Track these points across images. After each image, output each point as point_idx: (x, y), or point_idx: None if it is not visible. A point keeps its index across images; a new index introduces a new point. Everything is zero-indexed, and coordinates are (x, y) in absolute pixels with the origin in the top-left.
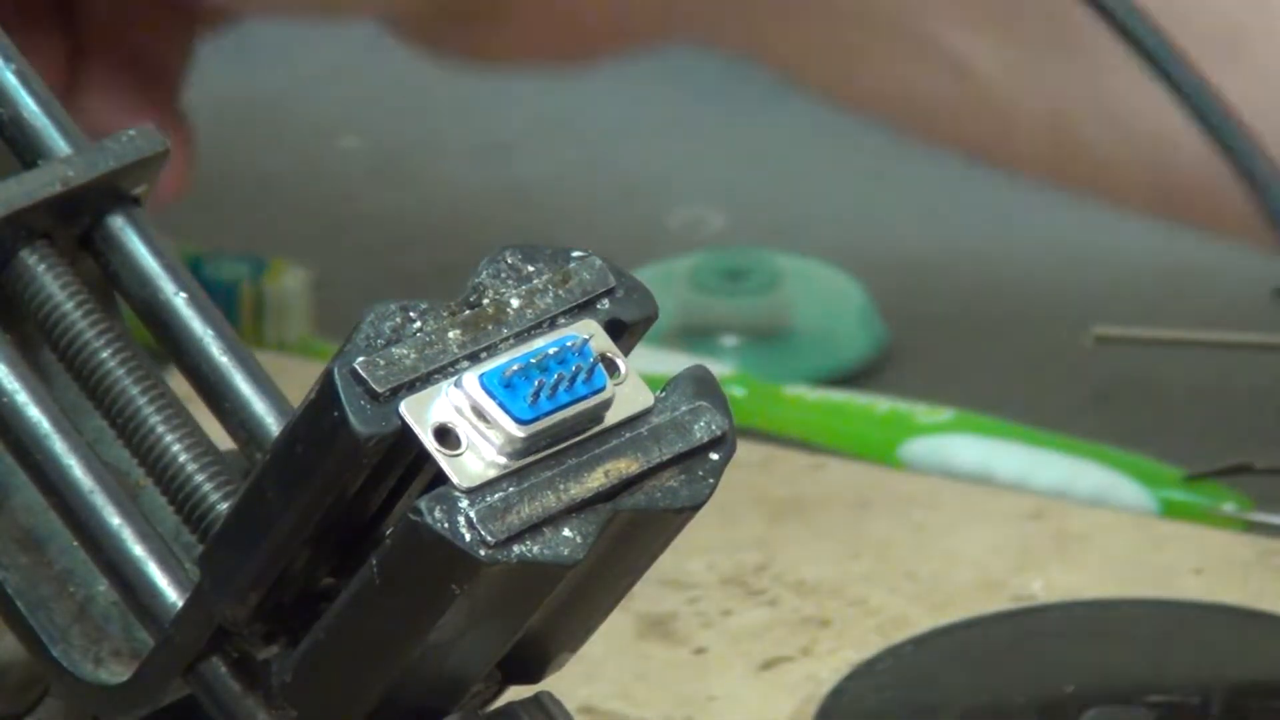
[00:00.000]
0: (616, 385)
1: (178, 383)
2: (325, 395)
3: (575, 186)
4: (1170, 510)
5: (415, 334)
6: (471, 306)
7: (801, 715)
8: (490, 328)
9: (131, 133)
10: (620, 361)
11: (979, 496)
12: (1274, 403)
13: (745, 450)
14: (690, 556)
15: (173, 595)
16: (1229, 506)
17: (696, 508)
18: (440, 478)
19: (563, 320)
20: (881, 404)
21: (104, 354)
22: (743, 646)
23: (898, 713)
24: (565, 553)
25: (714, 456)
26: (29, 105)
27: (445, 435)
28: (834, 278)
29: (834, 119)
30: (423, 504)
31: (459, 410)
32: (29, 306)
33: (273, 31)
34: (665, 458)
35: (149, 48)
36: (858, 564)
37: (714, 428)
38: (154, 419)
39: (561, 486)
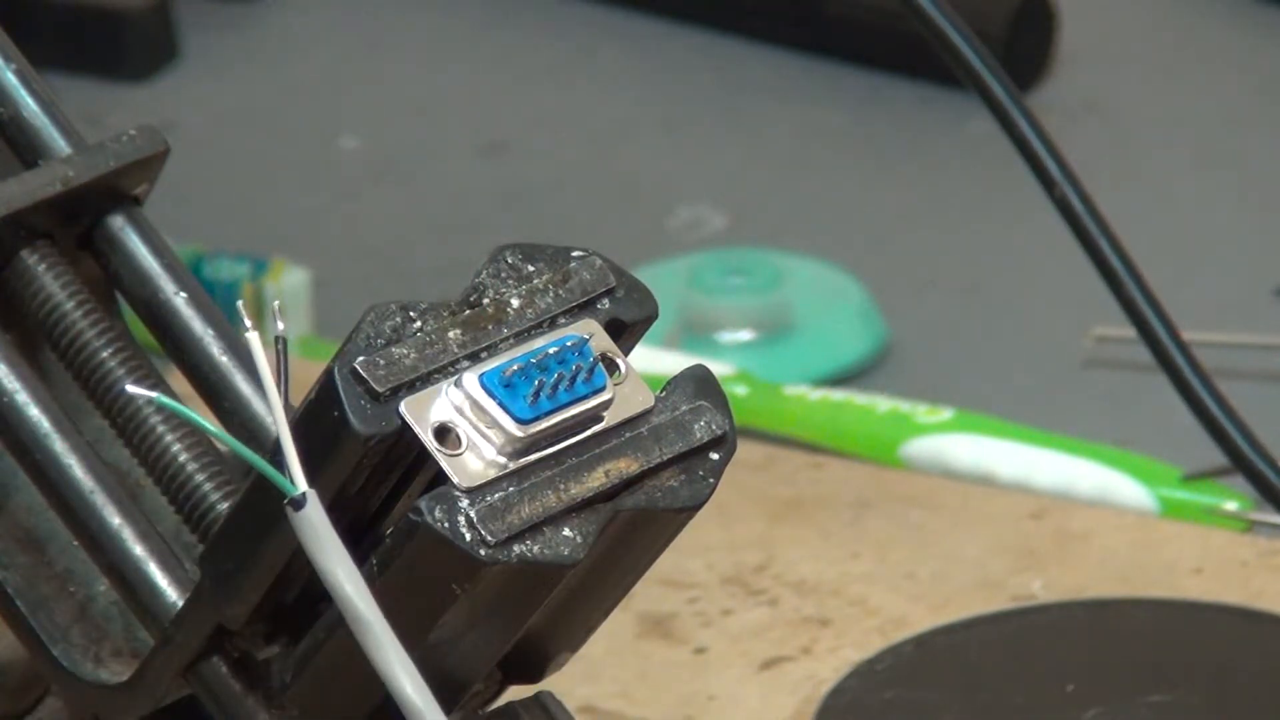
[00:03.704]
0: (616, 385)
1: (178, 383)
2: (326, 395)
3: (575, 186)
4: (1170, 510)
5: (415, 334)
6: (471, 306)
7: (801, 715)
8: (490, 327)
9: (132, 132)
10: (620, 361)
11: (979, 496)
12: (1274, 402)
13: (746, 450)
14: (690, 556)
15: (173, 595)
16: (1229, 506)
17: (696, 508)
18: (440, 477)
19: (563, 320)
20: (881, 404)
21: (104, 354)
22: (743, 646)
23: (898, 713)
24: (565, 552)
25: (714, 456)
26: (29, 105)
27: (445, 435)
28: (834, 278)
29: (834, 119)
30: (423, 504)
31: (459, 410)
32: (30, 306)
33: (273, 31)
34: (665, 457)
35: None
36: (858, 564)
37: (714, 427)
38: (154, 419)
39: (562, 486)
